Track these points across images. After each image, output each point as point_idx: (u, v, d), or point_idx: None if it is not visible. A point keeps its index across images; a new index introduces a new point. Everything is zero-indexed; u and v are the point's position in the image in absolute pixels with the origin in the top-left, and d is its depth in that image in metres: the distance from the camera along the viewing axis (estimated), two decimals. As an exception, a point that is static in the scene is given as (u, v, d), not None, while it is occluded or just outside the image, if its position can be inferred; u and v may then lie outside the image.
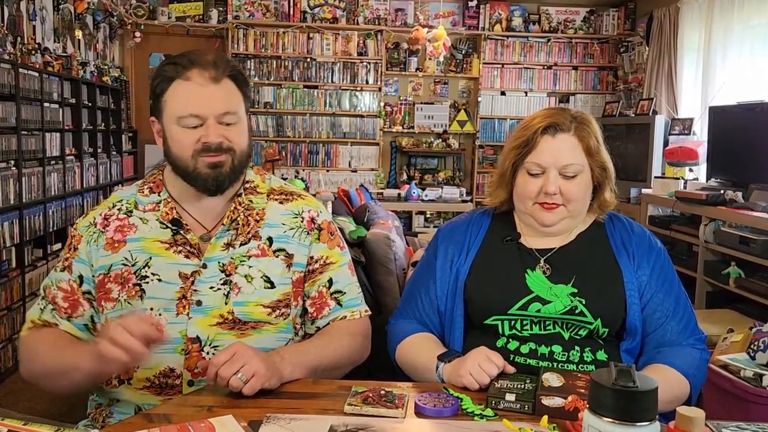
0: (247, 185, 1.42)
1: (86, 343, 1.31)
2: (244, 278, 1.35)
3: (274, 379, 1.21)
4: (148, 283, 1.32)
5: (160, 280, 1.32)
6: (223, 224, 1.37)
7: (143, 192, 1.41)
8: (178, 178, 1.36)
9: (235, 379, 1.16)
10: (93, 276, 1.35)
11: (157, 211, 1.38)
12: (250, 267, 1.36)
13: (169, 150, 1.34)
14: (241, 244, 1.37)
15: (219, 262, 1.34)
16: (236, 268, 1.35)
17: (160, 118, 1.35)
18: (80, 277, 1.35)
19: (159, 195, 1.39)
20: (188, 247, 1.35)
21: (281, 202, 1.44)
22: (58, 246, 4.15)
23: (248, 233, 1.38)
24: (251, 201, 1.41)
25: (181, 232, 1.35)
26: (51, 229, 4.02)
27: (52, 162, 4.06)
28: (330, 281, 1.44)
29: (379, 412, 1.13)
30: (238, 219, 1.38)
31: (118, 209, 1.39)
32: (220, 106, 1.31)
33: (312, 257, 1.42)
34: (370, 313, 1.50)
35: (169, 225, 1.36)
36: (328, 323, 1.44)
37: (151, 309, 1.32)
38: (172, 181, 1.40)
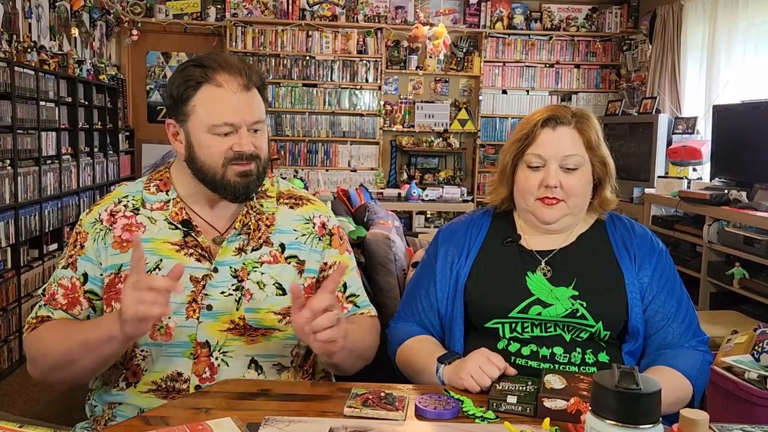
0: (258, 189, 1.42)
1: (102, 316, 1.27)
2: (257, 285, 1.35)
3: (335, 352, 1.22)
4: None
5: None
6: (234, 228, 1.36)
7: (149, 189, 1.39)
8: (193, 180, 1.35)
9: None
10: (101, 275, 1.33)
11: (166, 211, 1.36)
12: (262, 273, 1.35)
13: (196, 156, 1.32)
14: (252, 250, 1.36)
15: (231, 267, 1.34)
16: (248, 274, 1.34)
17: (185, 122, 1.32)
18: (84, 275, 1.33)
19: (167, 194, 1.38)
20: (199, 250, 1.34)
21: (291, 207, 1.44)
22: (54, 246, 4.15)
23: (259, 238, 1.38)
24: (262, 205, 1.41)
25: (192, 234, 1.34)
26: (47, 230, 4.02)
27: (48, 161, 4.06)
28: (345, 286, 1.46)
29: (379, 415, 1.13)
30: (249, 224, 1.38)
31: (124, 206, 1.37)
32: (253, 114, 1.31)
33: (326, 263, 1.43)
34: (376, 314, 1.51)
35: (180, 226, 1.35)
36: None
37: None
38: (181, 181, 1.38)
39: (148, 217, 1.36)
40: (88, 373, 1.28)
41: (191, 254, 1.33)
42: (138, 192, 1.39)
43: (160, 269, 1.32)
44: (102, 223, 1.35)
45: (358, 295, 1.48)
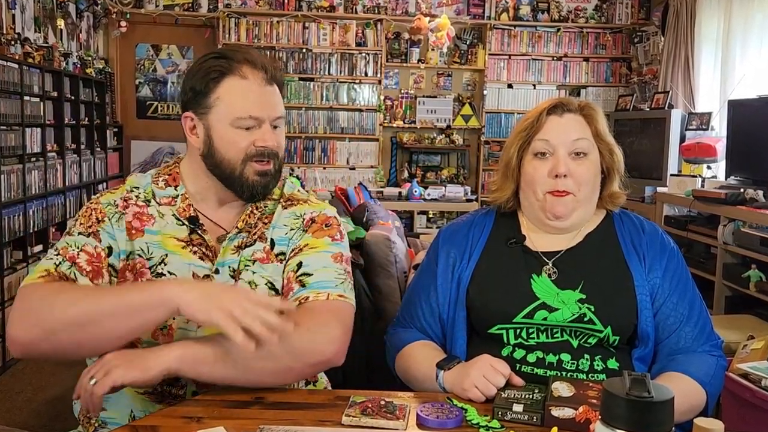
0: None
1: (150, 282, 1.26)
2: (248, 285, 1.36)
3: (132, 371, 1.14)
4: None
5: None
6: (237, 227, 1.38)
7: (157, 183, 1.41)
8: (206, 176, 1.36)
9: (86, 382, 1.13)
10: (119, 255, 1.34)
11: (173, 206, 1.38)
12: (254, 273, 1.37)
13: (215, 151, 1.34)
14: (246, 246, 1.38)
15: (230, 267, 1.36)
16: (240, 273, 1.36)
17: (205, 115, 1.34)
18: (109, 248, 1.33)
19: (176, 189, 1.40)
20: (203, 249, 1.36)
21: (286, 207, 1.46)
22: (39, 248, 4.15)
23: (254, 234, 1.39)
24: (266, 206, 1.43)
25: (199, 231, 1.36)
26: (31, 230, 4.02)
27: (33, 159, 4.06)
28: (299, 264, 1.34)
29: (379, 424, 1.13)
30: (252, 222, 1.40)
31: (136, 195, 1.39)
32: (276, 109, 1.35)
33: (293, 249, 1.40)
34: (349, 302, 1.34)
35: (186, 222, 1.37)
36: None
37: None
38: (191, 177, 1.40)
39: (157, 211, 1.38)
40: (112, 338, 1.18)
41: (195, 252, 1.36)
42: (148, 185, 1.42)
43: (165, 264, 1.34)
44: (116, 207, 1.37)
45: (312, 275, 1.32)
